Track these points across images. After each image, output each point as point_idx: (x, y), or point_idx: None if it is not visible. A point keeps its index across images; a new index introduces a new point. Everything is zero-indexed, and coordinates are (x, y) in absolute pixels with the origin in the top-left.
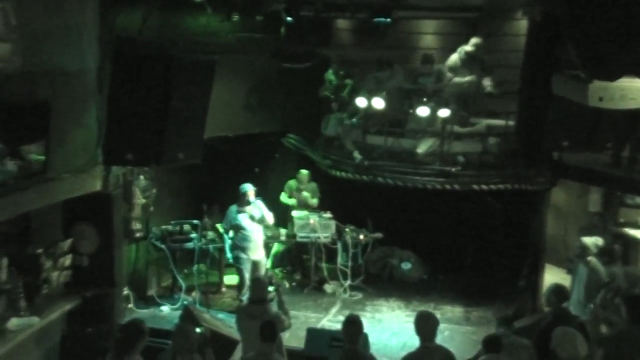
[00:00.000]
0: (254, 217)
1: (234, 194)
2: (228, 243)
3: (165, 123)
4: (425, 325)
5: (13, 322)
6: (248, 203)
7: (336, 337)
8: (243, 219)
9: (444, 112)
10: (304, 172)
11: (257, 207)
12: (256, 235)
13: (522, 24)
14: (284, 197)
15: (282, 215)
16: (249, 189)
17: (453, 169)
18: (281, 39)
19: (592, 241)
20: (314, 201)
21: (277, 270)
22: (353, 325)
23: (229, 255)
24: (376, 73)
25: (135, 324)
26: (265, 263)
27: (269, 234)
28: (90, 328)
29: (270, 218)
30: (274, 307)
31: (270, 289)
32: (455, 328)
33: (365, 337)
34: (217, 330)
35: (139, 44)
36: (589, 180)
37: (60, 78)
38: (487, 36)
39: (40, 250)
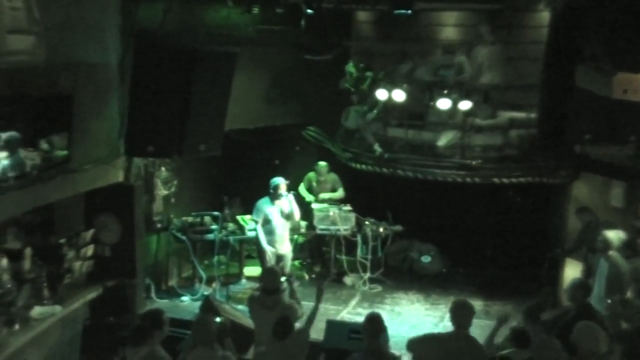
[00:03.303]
0: (283, 211)
1: (254, 186)
2: (258, 233)
3: (187, 115)
4: (460, 313)
5: (36, 311)
6: (279, 197)
7: (355, 329)
8: (272, 213)
9: (465, 105)
10: (322, 163)
11: (288, 201)
12: (281, 230)
13: (544, 16)
14: (302, 190)
15: (302, 208)
16: (281, 182)
17: (474, 162)
18: (301, 32)
19: (614, 235)
20: (337, 194)
21: (296, 262)
22: (374, 323)
23: (264, 246)
24: (397, 65)
25: (154, 313)
26: (291, 257)
27: (290, 226)
28: (111, 317)
29: (297, 214)
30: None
31: (282, 279)
32: (475, 322)
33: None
34: (237, 320)
35: (161, 37)
36: (612, 174)
37: (83, 70)
38: (508, 28)
39: (63, 241)
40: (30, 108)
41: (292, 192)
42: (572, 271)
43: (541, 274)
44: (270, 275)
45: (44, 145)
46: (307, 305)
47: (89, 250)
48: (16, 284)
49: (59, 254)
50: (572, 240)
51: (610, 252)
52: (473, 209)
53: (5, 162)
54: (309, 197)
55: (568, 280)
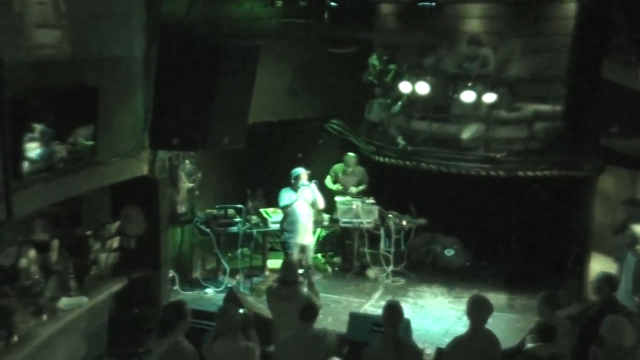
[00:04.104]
0: (306, 200)
1: (277, 179)
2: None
3: (210, 108)
4: (479, 310)
5: (63, 302)
6: (301, 186)
7: (378, 322)
8: (295, 201)
9: (489, 97)
10: (351, 154)
11: (311, 190)
12: (305, 218)
13: (571, 7)
14: (328, 182)
15: (326, 200)
16: (302, 172)
17: (498, 155)
18: (325, 24)
19: None
20: (361, 187)
21: (319, 255)
22: (393, 311)
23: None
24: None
25: (177, 304)
26: (313, 248)
27: (313, 218)
28: (136, 309)
29: (321, 202)
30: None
31: (300, 271)
32: (499, 315)
33: (408, 323)
34: (260, 312)
35: (185, 30)
36: (638, 167)
37: (108, 64)
38: (534, 19)
39: (89, 233)
40: (56, 101)
41: (314, 180)
42: (598, 265)
43: (566, 267)
44: (287, 267)
45: (78, 140)
46: (329, 297)
47: (115, 242)
48: (44, 275)
49: (86, 246)
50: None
51: (638, 247)
52: (497, 202)
53: (37, 152)
54: (336, 187)
55: (594, 274)
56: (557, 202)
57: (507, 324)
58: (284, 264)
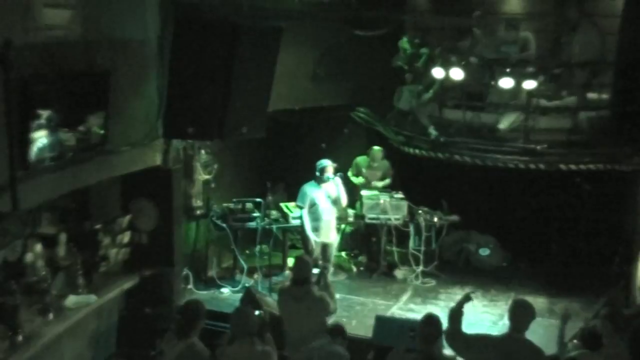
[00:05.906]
0: (329, 195)
1: (299, 171)
2: (303, 220)
3: (229, 95)
4: (518, 314)
5: (71, 300)
6: (326, 179)
7: (406, 326)
8: (318, 197)
9: (529, 84)
10: (377, 148)
11: (335, 185)
12: (328, 215)
13: None
14: (350, 175)
15: (350, 195)
16: (328, 164)
17: (538, 147)
18: (352, 5)
19: None
20: (386, 182)
21: (344, 254)
22: (431, 326)
23: (309, 233)
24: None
25: (195, 304)
26: (336, 246)
27: (337, 214)
28: (148, 308)
29: (344, 199)
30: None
31: (315, 270)
32: (538, 320)
33: None
34: (278, 313)
35: (202, 11)
36: None
37: (121, 47)
38: (578, 0)
39: (98, 227)
40: (65, 86)
41: (339, 173)
42: None
43: (611, 269)
44: (300, 265)
45: (82, 125)
46: (354, 299)
47: (126, 237)
48: (50, 271)
49: (95, 241)
50: None
51: None
52: (537, 198)
53: (45, 140)
54: (359, 181)
55: None
56: (603, 198)
57: (546, 329)
58: (296, 262)
